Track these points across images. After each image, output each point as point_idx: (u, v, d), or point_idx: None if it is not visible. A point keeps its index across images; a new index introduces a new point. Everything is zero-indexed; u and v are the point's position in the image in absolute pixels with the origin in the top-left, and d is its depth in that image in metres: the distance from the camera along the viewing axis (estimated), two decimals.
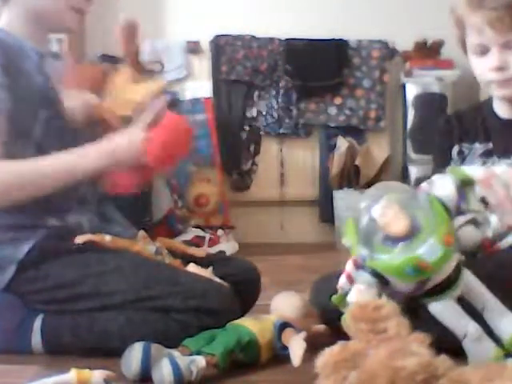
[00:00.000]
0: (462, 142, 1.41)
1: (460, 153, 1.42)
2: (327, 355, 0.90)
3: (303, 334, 1.15)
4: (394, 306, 0.97)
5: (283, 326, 1.18)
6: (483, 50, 1.32)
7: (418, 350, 0.87)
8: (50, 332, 1.27)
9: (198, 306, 1.22)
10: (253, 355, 1.16)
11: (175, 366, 1.03)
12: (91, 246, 1.34)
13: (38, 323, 1.27)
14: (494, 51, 1.28)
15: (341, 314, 1.38)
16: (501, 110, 1.40)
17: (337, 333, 1.37)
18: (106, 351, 1.21)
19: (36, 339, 1.27)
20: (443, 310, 1.06)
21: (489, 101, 1.45)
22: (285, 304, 1.28)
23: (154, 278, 1.26)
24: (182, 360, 1.05)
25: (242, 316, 1.30)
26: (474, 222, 1.35)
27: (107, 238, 1.36)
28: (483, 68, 1.33)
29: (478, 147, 1.39)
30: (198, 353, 1.10)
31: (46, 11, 1.38)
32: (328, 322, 1.37)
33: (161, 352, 1.09)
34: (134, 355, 1.09)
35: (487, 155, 1.38)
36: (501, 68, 1.29)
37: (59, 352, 1.25)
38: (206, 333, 1.17)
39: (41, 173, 1.28)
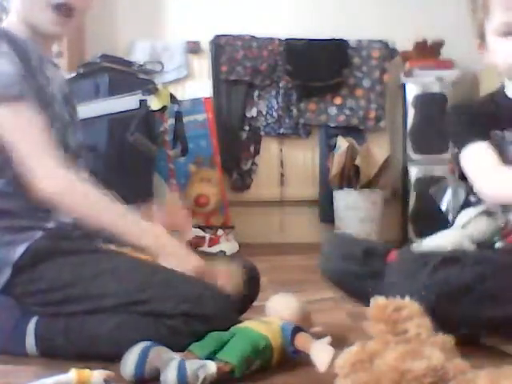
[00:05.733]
0: (494, 127, 1.37)
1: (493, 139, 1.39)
2: (345, 356, 0.90)
3: (328, 339, 1.11)
4: (416, 307, 0.96)
5: (296, 329, 1.16)
6: (509, 31, 1.27)
7: (430, 353, 0.86)
8: (43, 335, 1.26)
9: (189, 311, 1.19)
10: (267, 360, 1.13)
11: (182, 370, 1.02)
12: (87, 247, 1.33)
13: (31, 326, 1.26)
14: None
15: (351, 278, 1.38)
16: None
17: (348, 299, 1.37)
18: (95, 355, 1.18)
19: (30, 342, 1.25)
20: None
21: (500, 90, 1.42)
22: (282, 306, 1.26)
23: (146, 281, 1.24)
24: (191, 364, 1.03)
25: (240, 316, 1.29)
26: (487, 213, 1.35)
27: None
28: (509, 50, 1.28)
29: (508, 135, 1.36)
30: (210, 358, 1.08)
31: (34, 17, 1.36)
32: (341, 286, 1.36)
33: (160, 356, 1.07)
34: (130, 358, 1.08)
35: None
36: None
37: (53, 355, 1.24)
38: (211, 337, 1.14)
39: (105, 214, 1.30)
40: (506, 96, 1.41)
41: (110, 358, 1.12)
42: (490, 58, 1.37)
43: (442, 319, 1.19)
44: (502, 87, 1.42)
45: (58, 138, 1.37)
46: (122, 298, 1.22)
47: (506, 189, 1.34)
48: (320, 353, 1.08)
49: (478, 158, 1.39)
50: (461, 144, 1.42)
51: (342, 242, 1.48)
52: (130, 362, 1.08)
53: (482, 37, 1.37)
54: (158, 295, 1.21)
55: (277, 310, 1.25)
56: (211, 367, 1.05)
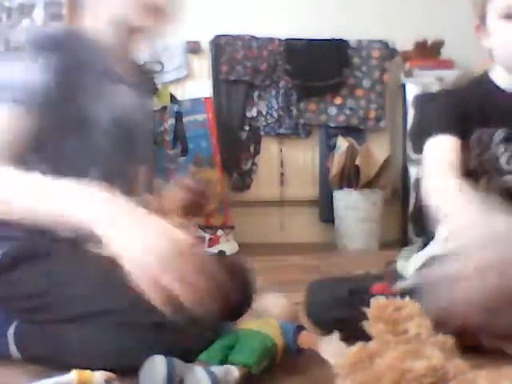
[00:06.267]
0: (480, 126, 1.26)
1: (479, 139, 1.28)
2: (345, 356, 0.90)
3: (337, 335, 1.09)
4: (416, 307, 0.96)
5: (298, 328, 1.16)
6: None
7: (430, 352, 0.86)
8: (22, 341, 1.23)
9: (160, 322, 1.07)
10: (272, 359, 1.12)
11: (211, 375, 0.98)
12: (66, 252, 1.23)
13: (11, 331, 1.24)
14: None
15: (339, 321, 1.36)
16: (504, 81, 1.28)
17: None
18: (64, 365, 1.09)
19: (12, 347, 1.23)
20: None
21: (485, 79, 1.33)
22: (272, 305, 1.25)
23: (117, 291, 1.10)
24: (218, 370, 1.01)
25: (238, 319, 1.28)
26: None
27: None
28: (510, 34, 1.23)
29: (498, 134, 1.28)
30: (222, 364, 1.05)
31: (124, 7, 1.25)
32: (331, 330, 1.35)
33: (181, 366, 1.01)
34: (157, 371, 0.99)
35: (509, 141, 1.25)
36: None
37: (35, 362, 1.20)
38: (218, 345, 1.10)
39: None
40: (496, 86, 1.32)
41: (78, 367, 1.05)
42: (488, 41, 1.32)
43: (475, 330, 1.14)
44: (486, 73, 1.35)
45: (79, 166, 1.23)
46: (88, 307, 1.15)
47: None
48: (332, 347, 1.08)
49: (438, 159, 1.26)
50: (428, 131, 1.30)
51: (326, 289, 1.41)
52: (159, 376, 0.98)
53: (482, 18, 1.31)
54: (124, 304, 1.11)
55: (269, 311, 1.23)
56: (234, 371, 1.03)
